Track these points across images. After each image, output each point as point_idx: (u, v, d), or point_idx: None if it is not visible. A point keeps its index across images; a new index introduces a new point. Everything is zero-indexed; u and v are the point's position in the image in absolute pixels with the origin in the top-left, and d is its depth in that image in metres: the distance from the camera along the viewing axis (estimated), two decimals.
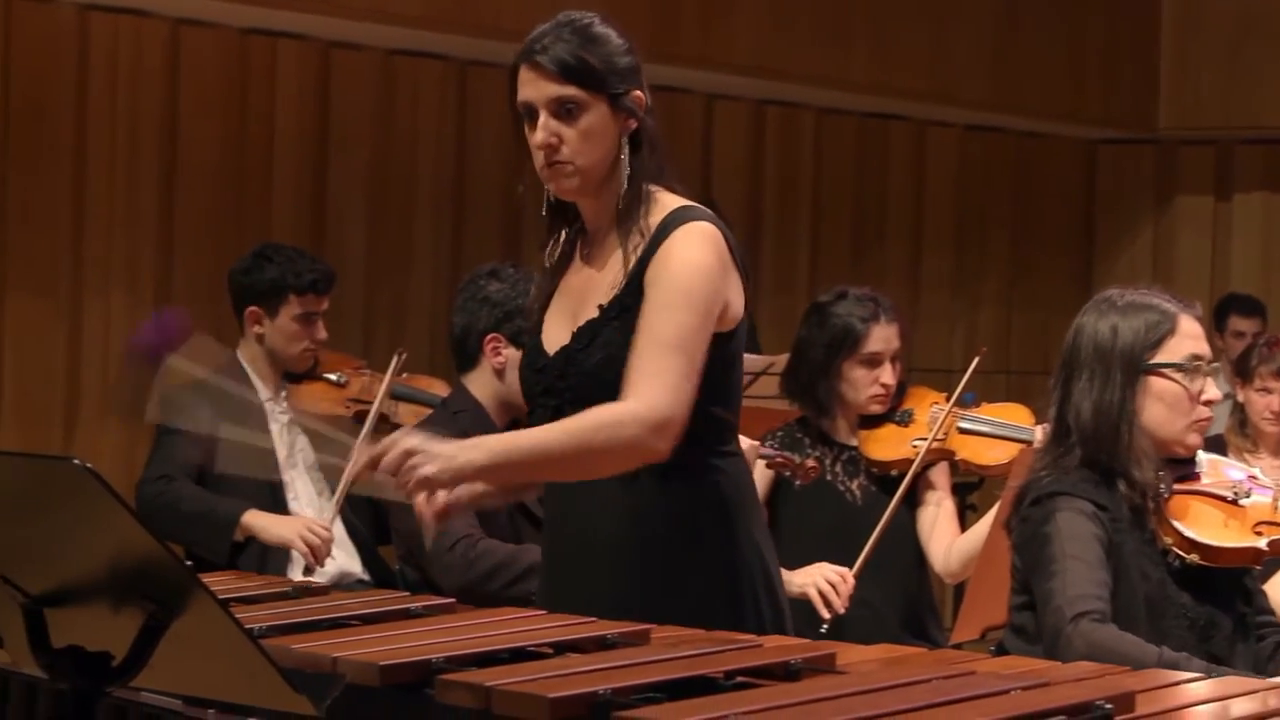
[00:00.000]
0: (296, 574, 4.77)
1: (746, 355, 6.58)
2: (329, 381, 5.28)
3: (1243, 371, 5.82)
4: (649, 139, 3.18)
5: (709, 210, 3.21)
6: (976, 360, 4.95)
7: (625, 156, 3.16)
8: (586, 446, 2.98)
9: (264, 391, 5.16)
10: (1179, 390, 3.48)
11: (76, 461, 2.08)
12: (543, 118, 3.14)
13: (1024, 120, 9.02)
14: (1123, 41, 9.13)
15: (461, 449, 2.94)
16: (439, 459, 2.90)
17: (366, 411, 5.08)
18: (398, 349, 5.22)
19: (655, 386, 2.99)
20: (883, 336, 4.76)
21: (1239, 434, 5.78)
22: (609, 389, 3.05)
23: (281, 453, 5.11)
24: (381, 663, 2.53)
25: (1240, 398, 5.80)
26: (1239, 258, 9.26)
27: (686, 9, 7.47)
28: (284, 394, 5.19)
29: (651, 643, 2.76)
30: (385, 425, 5.22)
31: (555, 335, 3.21)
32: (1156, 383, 3.48)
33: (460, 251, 7.27)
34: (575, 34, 3.18)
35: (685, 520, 3.12)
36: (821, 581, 4.38)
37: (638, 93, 3.18)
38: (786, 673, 2.56)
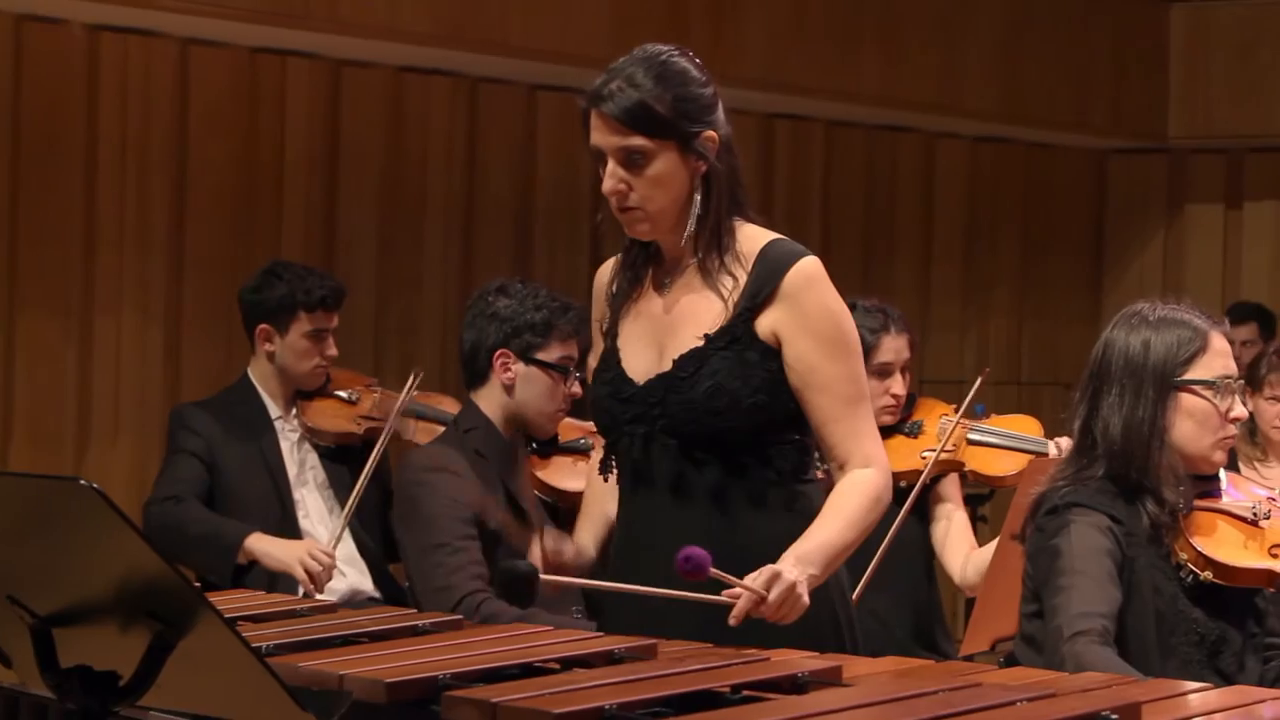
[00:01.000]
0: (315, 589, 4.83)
1: None
2: (340, 399, 5.29)
3: (1252, 380, 5.80)
4: (718, 182, 3.17)
5: (795, 241, 3.24)
6: (980, 380, 4.97)
7: (698, 197, 3.16)
8: (866, 526, 3.14)
9: (275, 409, 5.17)
10: (1209, 408, 3.47)
11: (83, 482, 2.09)
12: (610, 165, 3.14)
13: (1033, 131, 9.02)
14: (1132, 51, 9.12)
15: (801, 568, 2.99)
16: (806, 584, 2.97)
17: (378, 429, 5.09)
18: (414, 368, 5.22)
19: (871, 444, 3.17)
20: (892, 347, 4.78)
21: (1249, 442, 5.77)
22: (714, 417, 3.11)
23: (292, 470, 5.12)
24: (388, 680, 2.53)
25: (1250, 406, 5.78)
26: (1250, 266, 9.25)
27: (695, 22, 7.48)
28: (295, 411, 5.20)
29: (658, 657, 2.76)
30: (399, 442, 5.23)
31: (641, 363, 3.20)
32: (1187, 399, 3.47)
33: (471, 268, 7.28)
34: (647, 74, 3.14)
35: (778, 548, 3.08)
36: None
37: (710, 133, 3.16)
38: (793, 685, 2.57)
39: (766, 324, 3.13)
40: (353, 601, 4.89)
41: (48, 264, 6.36)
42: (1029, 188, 9.21)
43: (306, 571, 4.75)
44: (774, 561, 3.01)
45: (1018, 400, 8.17)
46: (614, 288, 3.29)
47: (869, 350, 4.74)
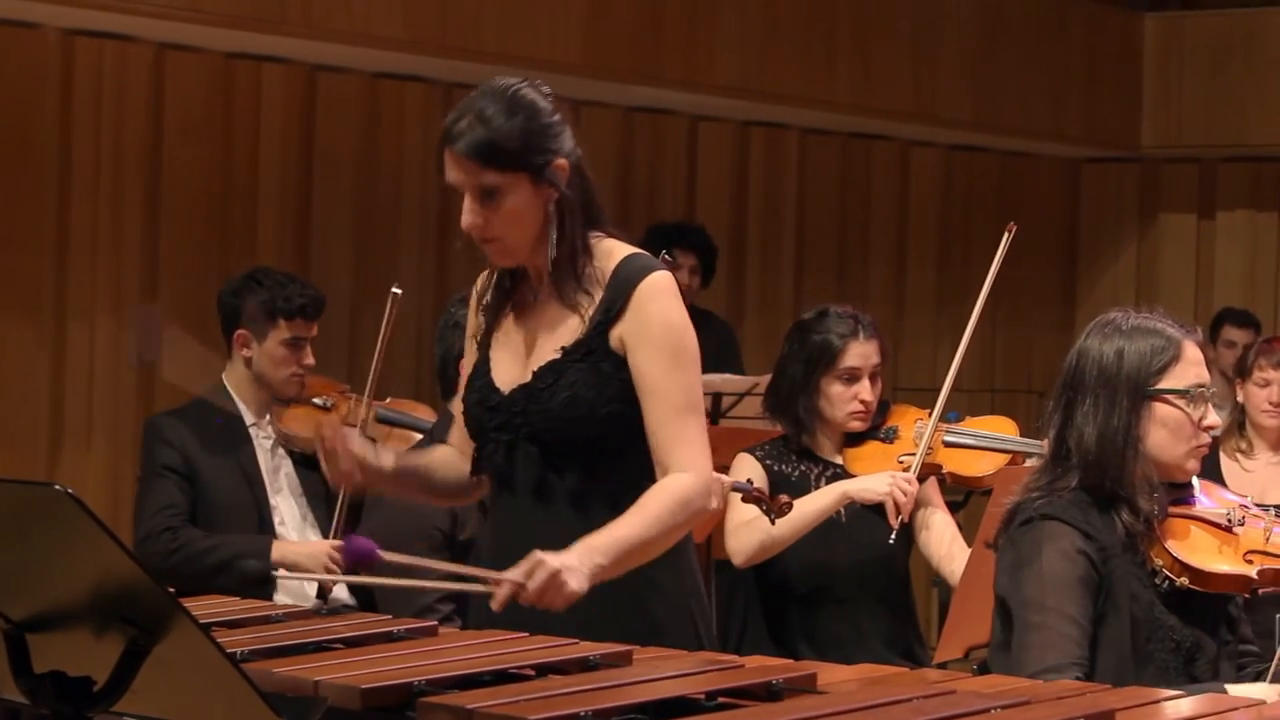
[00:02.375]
0: (311, 591, 4.90)
1: (729, 377, 6.57)
2: (315, 406, 5.28)
3: (1241, 371, 5.86)
4: (571, 208, 3.26)
5: (650, 255, 3.33)
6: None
7: (553, 224, 3.26)
8: (671, 527, 3.21)
9: (249, 415, 5.15)
10: (1182, 417, 3.47)
11: (58, 486, 2.09)
12: (467, 201, 3.26)
13: (1007, 140, 9.04)
14: (1105, 60, 9.15)
15: (583, 558, 3.08)
16: (577, 574, 3.05)
17: None
18: (393, 286, 5.19)
19: (694, 452, 3.24)
20: (861, 352, 4.78)
21: (1236, 434, 5.80)
22: (571, 425, 3.24)
23: (268, 478, 5.11)
24: (363, 686, 2.53)
25: (1240, 398, 5.84)
26: (1222, 275, 9.29)
27: (670, 31, 7.49)
28: (268, 418, 5.19)
29: (633, 664, 2.76)
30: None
31: (507, 373, 3.34)
32: (1160, 409, 3.47)
33: (445, 275, 7.28)
34: (497, 109, 3.22)
35: None
36: (899, 493, 4.59)
37: (560, 161, 3.25)
38: (768, 693, 2.57)
39: (617, 335, 3.26)
40: (327, 608, 4.89)
41: (21, 268, 6.34)
42: (1003, 196, 9.22)
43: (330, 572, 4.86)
44: None
45: (991, 408, 8.17)
46: (486, 299, 3.43)
47: (837, 354, 4.76)
